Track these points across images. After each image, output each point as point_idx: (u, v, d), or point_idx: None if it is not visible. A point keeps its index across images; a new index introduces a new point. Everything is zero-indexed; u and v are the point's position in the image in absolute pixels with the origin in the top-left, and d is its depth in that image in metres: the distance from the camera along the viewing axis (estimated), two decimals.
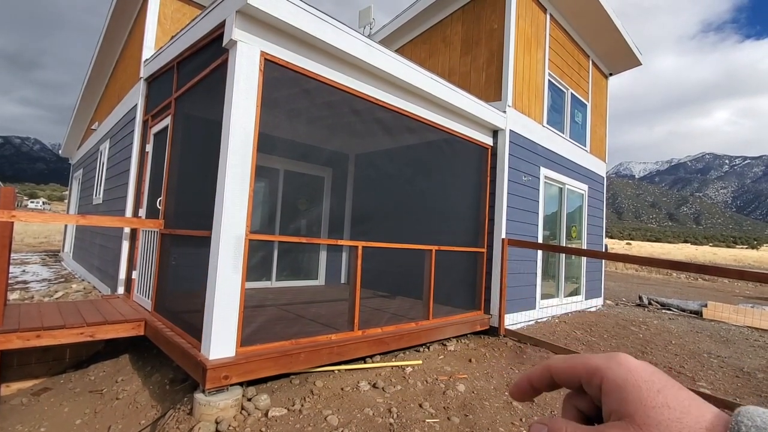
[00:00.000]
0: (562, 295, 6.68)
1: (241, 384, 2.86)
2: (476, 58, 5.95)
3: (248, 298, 3.06)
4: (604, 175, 8.36)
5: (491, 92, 5.62)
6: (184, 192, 3.99)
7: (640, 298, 9.26)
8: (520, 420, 2.83)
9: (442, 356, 4.10)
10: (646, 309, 8.35)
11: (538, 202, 5.99)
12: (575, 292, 7.18)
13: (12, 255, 3.72)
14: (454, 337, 4.68)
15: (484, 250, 5.28)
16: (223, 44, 2.95)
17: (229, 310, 2.82)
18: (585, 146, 7.58)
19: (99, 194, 7.23)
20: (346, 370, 3.49)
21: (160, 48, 4.69)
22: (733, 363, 4.57)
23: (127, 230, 5.07)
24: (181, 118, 4.18)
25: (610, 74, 8.69)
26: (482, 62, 5.84)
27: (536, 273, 5.91)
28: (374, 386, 3.21)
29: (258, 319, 3.59)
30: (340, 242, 4.03)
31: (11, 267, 6.84)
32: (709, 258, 47.27)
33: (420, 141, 5.33)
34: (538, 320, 5.90)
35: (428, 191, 6.05)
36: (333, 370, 3.44)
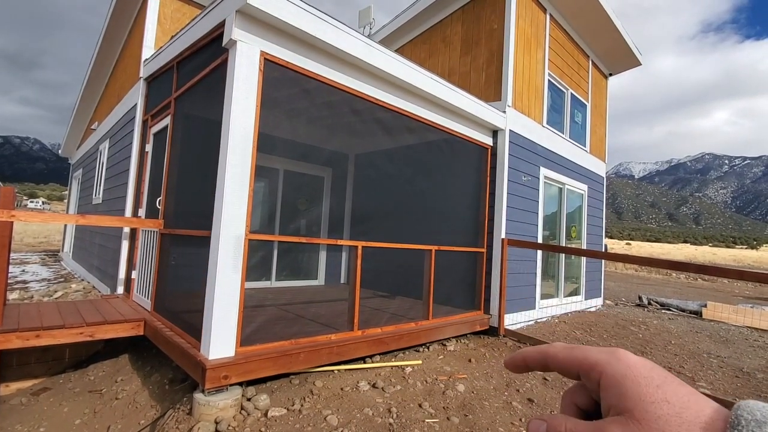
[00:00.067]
0: (562, 295, 6.68)
1: (240, 384, 2.86)
2: (476, 58, 5.95)
3: (248, 298, 3.06)
4: (604, 175, 8.37)
5: (491, 92, 5.62)
6: (183, 192, 3.99)
7: (640, 298, 9.27)
8: (520, 420, 2.83)
9: (441, 356, 4.10)
10: (645, 309, 8.35)
11: (537, 202, 5.99)
12: (575, 292, 7.18)
13: (11, 255, 3.72)
14: (453, 337, 4.68)
15: (483, 250, 5.28)
16: (223, 44, 2.95)
17: (229, 309, 2.82)
18: (585, 146, 7.58)
19: (98, 194, 7.23)
20: (345, 370, 3.49)
21: (160, 48, 4.69)
22: (732, 363, 4.57)
23: (126, 230, 5.06)
24: (180, 117, 4.17)
25: (610, 74, 8.69)
26: (482, 62, 5.84)
27: (536, 273, 5.91)
28: (374, 386, 3.21)
29: (257, 319, 3.59)
30: (340, 242, 4.03)
31: (11, 267, 6.82)
32: (708, 258, 47.29)
33: (420, 141, 5.32)
34: (538, 320, 5.90)
35: (428, 191, 6.05)
36: (333, 370, 3.43)
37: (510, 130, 5.43)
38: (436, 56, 6.71)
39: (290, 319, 4.25)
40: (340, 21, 3.34)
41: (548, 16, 6.39)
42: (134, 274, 4.83)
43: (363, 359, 3.77)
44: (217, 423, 2.54)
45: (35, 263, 10.02)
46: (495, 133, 5.47)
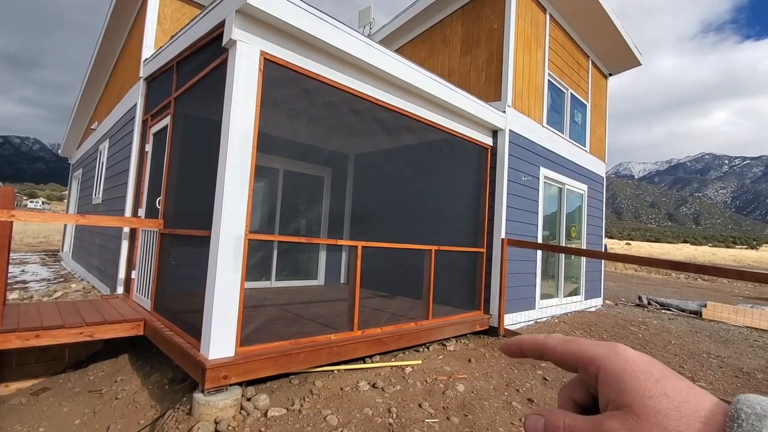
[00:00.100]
0: (562, 295, 6.68)
1: (240, 384, 2.86)
2: (476, 58, 5.95)
3: (248, 298, 3.06)
4: (604, 175, 8.37)
5: (491, 92, 5.62)
6: (183, 191, 3.99)
7: (640, 298, 9.27)
8: (520, 420, 2.83)
9: (441, 356, 4.10)
10: (645, 309, 8.35)
11: (537, 202, 5.99)
12: (575, 292, 7.18)
13: (11, 254, 3.72)
14: (453, 337, 4.68)
15: (483, 250, 5.28)
16: (223, 44, 2.95)
17: (229, 309, 2.82)
18: (584, 146, 7.58)
19: (98, 194, 7.22)
20: (345, 370, 3.49)
21: (160, 47, 4.69)
22: (732, 363, 4.57)
23: (126, 230, 5.06)
24: (180, 117, 4.17)
25: (610, 74, 8.69)
26: (482, 62, 5.84)
27: (536, 273, 5.91)
28: (374, 386, 3.21)
29: (257, 319, 3.59)
30: (340, 242, 4.03)
31: (10, 266, 6.83)
32: (708, 258, 47.31)
33: (420, 141, 5.32)
34: (538, 320, 5.90)
35: (428, 191, 6.05)
36: (332, 370, 3.43)
37: (510, 130, 5.43)
38: (436, 56, 6.71)
39: (290, 319, 4.25)
40: (340, 21, 3.34)
41: (548, 16, 6.39)
42: (134, 274, 4.83)
43: (363, 359, 3.77)
44: (216, 423, 2.54)
45: (35, 263, 10.01)
46: (495, 133, 5.47)
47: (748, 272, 3.37)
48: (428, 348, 4.32)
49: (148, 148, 4.99)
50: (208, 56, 3.45)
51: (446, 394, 3.16)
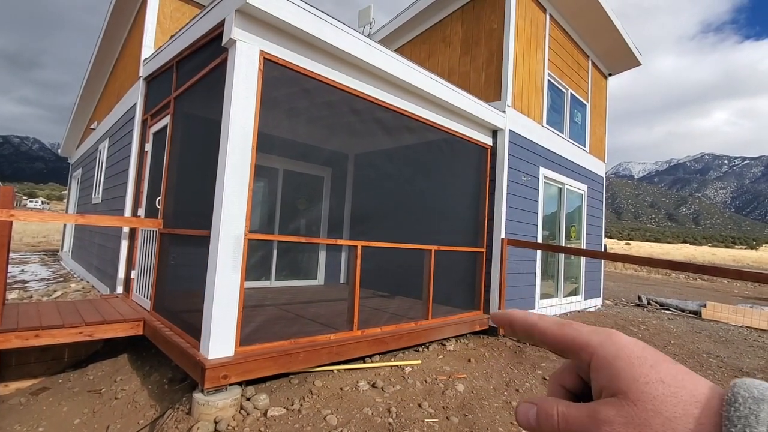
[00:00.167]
0: (562, 295, 6.68)
1: (240, 384, 2.86)
2: (476, 58, 5.95)
3: (247, 298, 3.06)
4: (604, 175, 8.37)
5: (491, 92, 5.62)
6: (183, 191, 3.99)
7: (639, 298, 9.27)
8: None
9: (441, 356, 4.10)
10: (645, 309, 8.36)
11: (537, 202, 5.99)
12: (574, 292, 7.19)
13: (11, 254, 3.72)
14: (453, 337, 4.68)
15: (483, 249, 5.28)
16: (223, 43, 2.95)
17: (228, 309, 2.82)
18: (584, 146, 7.59)
19: (98, 193, 7.22)
20: (345, 369, 3.49)
21: (160, 47, 4.69)
22: (732, 363, 4.57)
23: (126, 230, 5.06)
24: (180, 117, 4.17)
25: (610, 74, 8.69)
26: (482, 62, 5.84)
27: (535, 273, 5.92)
28: (373, 386, 3.21)
29: (257, 319, 3.59)
30: (340, 242, 4.03)
31: (10, 266, 6.82)
32: (708, 258, 47.34)
33: (419, 141, 5.32)
34: None
35: (428, 191, 6.05)
36: (332, 370, 3.43)
37: (510, 130, 5.43)
38: (435, 56, 6.70)
39: (290, 318, 4.25)
40: (340, 21, 3.34)
41: (548, 16, 6.39)
42: (133, 274, 4.82)
43: (362, 359, 3.77)
44: (216, 423, 2.54)
45: (34, 263, 10.01)
46: (495, 133, 5.47)
47: (747, 272, 3.37)
48: (428, 348, 4.32)
49: (148, 147, 4.99)
50: (208, 56, 3.45)
51: (446, 393, 3.16)
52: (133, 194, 5.17)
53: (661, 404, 0.27)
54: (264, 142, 3.38)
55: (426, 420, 2.73)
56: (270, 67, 3.08)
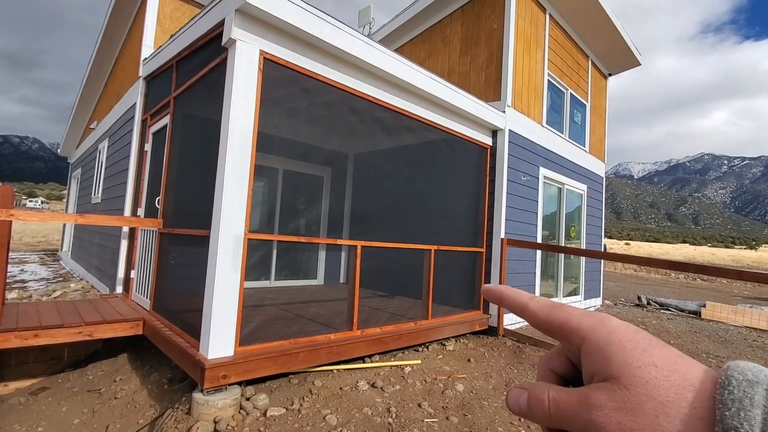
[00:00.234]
0: (561, 295, 6.68)
1: (239, 383, 2.86)
2: (476, 57, 5.95)
3: (247, 298, 3.05)
4: (603, 175, 8.37)
5: (490, 92, 5.62)
6: (182, 191, 3.99)
7: (639, 298, 9.28)
8: (519, 420, 2.83)
9: (441, 356, 4.10)
10: (644, 309, 8.36)
11: (537, 202, 5.99)
12: (574, 292, 7.19)
13: (10, 254, 3.71)
14: (453, 337, 4.68)
15: (483, 249, 5.28)
16: (222, 43, 2.95)
17: (228, 309, 2.82)
18: (584, 146, 7.59)
19: (98, 193, 7.22)
20: (344, 369, 3.49)
21: (159, 47, 4.69)
22: None
23: (125, 229, 5.06)
24: (180, 117, 4.17)
25: (610, 74, 8.69)
26: (482, 62, 5.84)
27: (535, 273, 5.92)
28: (373, 386, 3.21)
29: (257, 319, 3.59)
30: (339, 242, 4.03)
31: (9, 266, 6.80)
32: (707, 258, 47.37)
33: (419, 141, 5.32)
34: None
35: (427, 191, 6.05)
36: (332, 370, 3.43)
37: (509, 129, 5.43)
38: (435, 56, 6.70)
39: (289, 318, 4.25)
40: (340, 20, 3.34)
41: (548, 16, 6.39)
42: (133, 274, 4.82)
43: (362, 359, 3.77)
44: (216, 422, 2.54)
45: (34, 262, 10.00)
46: (494, 132, 5.47)
47: (747, 272, 3.37)
48: (428, 348, 4.32)
49: (148, 147, 4.98)
50: (208, 55, 3.45)
51: (445, 393, 3.16)
52: (132, 194, 5.17)
53: (653, 388, 0.26)
54: (264, 142, 3.38)
55: (426, 420, 2.73)
56: (270, 66, 3.08)
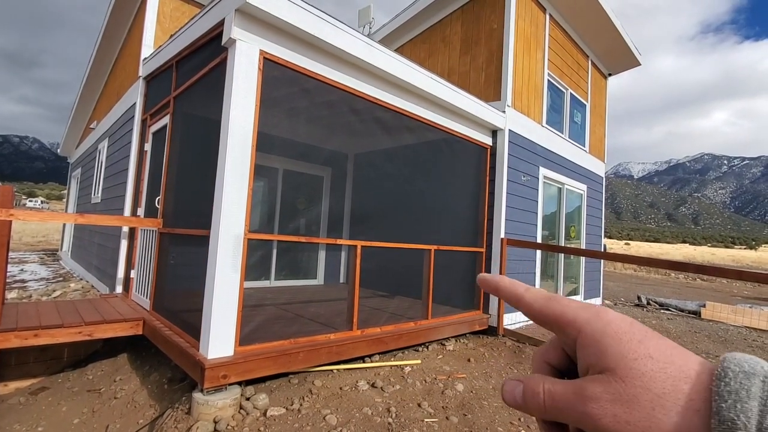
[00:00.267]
0: (561, 295, 6.68)
1: (239, 383, 2.86)
2: (476, 57, 5.95)
3: (247, 298, 3.05)
4: (603, 175, 8.37)
5: (490, 92, 5.62)
6: (182, 191, 3.99)
7: (639, 298, 9.28)
8: (519, 420, 2.83)
9: (440, 356, 4.10)
10: (644, 309, 8.36)
11: (537, 202, 5.99)
12: (574, 292, 7.19)
13: (10, 254, 3.71)
14: (452, 337, 4.69)
15: (483, 249, 5.28)
16: (222, 43, 2.95)
17: (228, 309, 2.82)
18: (584, 146, 7.59)
19: (97, 193, 7.21)
20: (344, 369, 3.49)
21: (159, 46, 4.68)
22: None
23: (125, 229, 5.06)
24: (180, 116, 4.17)
25: (610, 74, 8.70)
26: (482, 62, 5.84)
27: (535, 273, 5.92)
28: (373, 386, 3.21)
29: (257, 319, 3.59)
30: (339, 242, 4.03)
31: (9, 266, 6.79)
32: (707, 258, 47.39)
33: (419, 140, 5.32)
34: None
35: (427, 191, 6.05)
36: (332, 370, 3.43)
37: (509, 129, 5.43)
38: (435, 56, 6.70)
39: (289, 318, 4.25)
40: (340, 20, 3.34)
41: (548, 16, 6.39)
42: (133, 274, 4.82)
43: (362, 359, 3.77)
44: (215, 422, 2.54)
45: (34, 262, 10.00)
46: (494, 132, 5.47)
47: (746, 272, 3.37)
48: (427, 347, 4.32)
49: (147, 147, 4.98)
50: (208, 55, 3.45)
51: (445, 393, 3.16)
52: (132, 194, 5.17)
53: (649, 380, 0.26)
54: (264, 142, 3.38)
55: (425, 420, 2.73)
56: (270, 66, 3.08)
